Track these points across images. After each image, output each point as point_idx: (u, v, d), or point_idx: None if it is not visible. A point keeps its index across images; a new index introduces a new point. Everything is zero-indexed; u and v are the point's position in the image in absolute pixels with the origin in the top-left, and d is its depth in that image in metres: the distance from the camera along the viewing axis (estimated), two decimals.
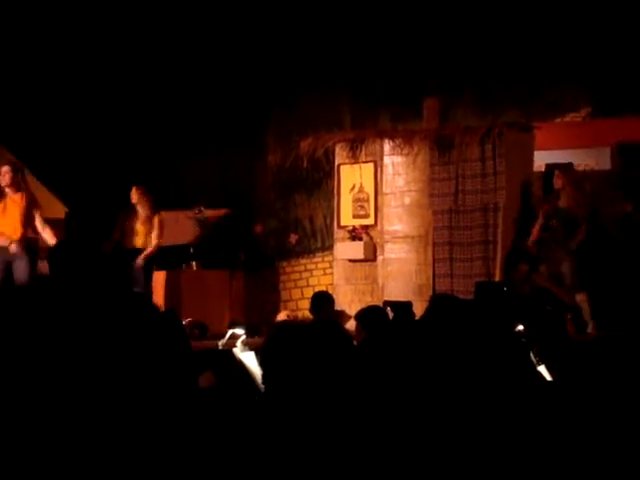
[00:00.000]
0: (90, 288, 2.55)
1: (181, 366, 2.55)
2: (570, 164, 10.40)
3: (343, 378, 2.77)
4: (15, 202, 9.68)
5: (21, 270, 9.54)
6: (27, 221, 9.67)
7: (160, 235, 10.72)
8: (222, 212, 12.57)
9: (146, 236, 10.65)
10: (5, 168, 9.75)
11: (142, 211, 10.66)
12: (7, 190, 9.69)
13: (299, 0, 12.14)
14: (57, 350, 2.26)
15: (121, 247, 10.59)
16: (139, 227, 10.64)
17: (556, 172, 10.16)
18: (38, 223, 9.72)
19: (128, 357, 2.32)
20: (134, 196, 10.68)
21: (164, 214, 10.92)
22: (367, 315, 6.66)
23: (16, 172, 9.75)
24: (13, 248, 9.55)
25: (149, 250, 10.61)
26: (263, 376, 2.87)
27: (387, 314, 7.02)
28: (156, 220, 10.69)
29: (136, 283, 10.33)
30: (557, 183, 10.11)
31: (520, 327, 6.25)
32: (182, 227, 11.73)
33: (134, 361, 2.34)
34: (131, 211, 10.69)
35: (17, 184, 9.72)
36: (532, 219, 10.23)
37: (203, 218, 12.30)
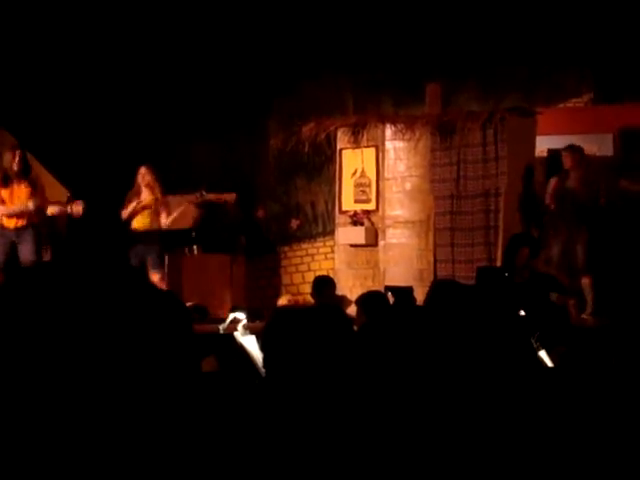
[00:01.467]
0: (91, 271, 2.54)
1: (184, 350, 2.55)
2: (579, 146, 10.29)
3: (343, 362, 2.77)
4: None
5: (26, 253, 9.57)
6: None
7: (169, 214, 10.63)
8: (229, 197, 12.51)
9: (150, 216, 10.48)
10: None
11: (150, 191, 10.43)
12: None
13: None
14: (55, 333, 2.26)
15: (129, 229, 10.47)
16: (147, 208, 10.44)
17: (564, 152, 10.04)
18: None
19: (130, 342, 2.32)
20: (146, 177, 10.42)
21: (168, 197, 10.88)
22: (368, 300, 6.67)
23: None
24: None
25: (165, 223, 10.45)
26: (264, 360, 2.87)
27: (388, 299, 7.03)
28: (165, 200, 10.51)
29: (156, 266, 10.30)
30: (566, 162, 9.99)
31: (521, 313, 6.25)
32: (183, 211, 11.69)
33: (136, 345, 2.34)
34: (137, 192, 10.47)
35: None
36: (534, 205, 10.17)
37: (204, 202, 12.27)
